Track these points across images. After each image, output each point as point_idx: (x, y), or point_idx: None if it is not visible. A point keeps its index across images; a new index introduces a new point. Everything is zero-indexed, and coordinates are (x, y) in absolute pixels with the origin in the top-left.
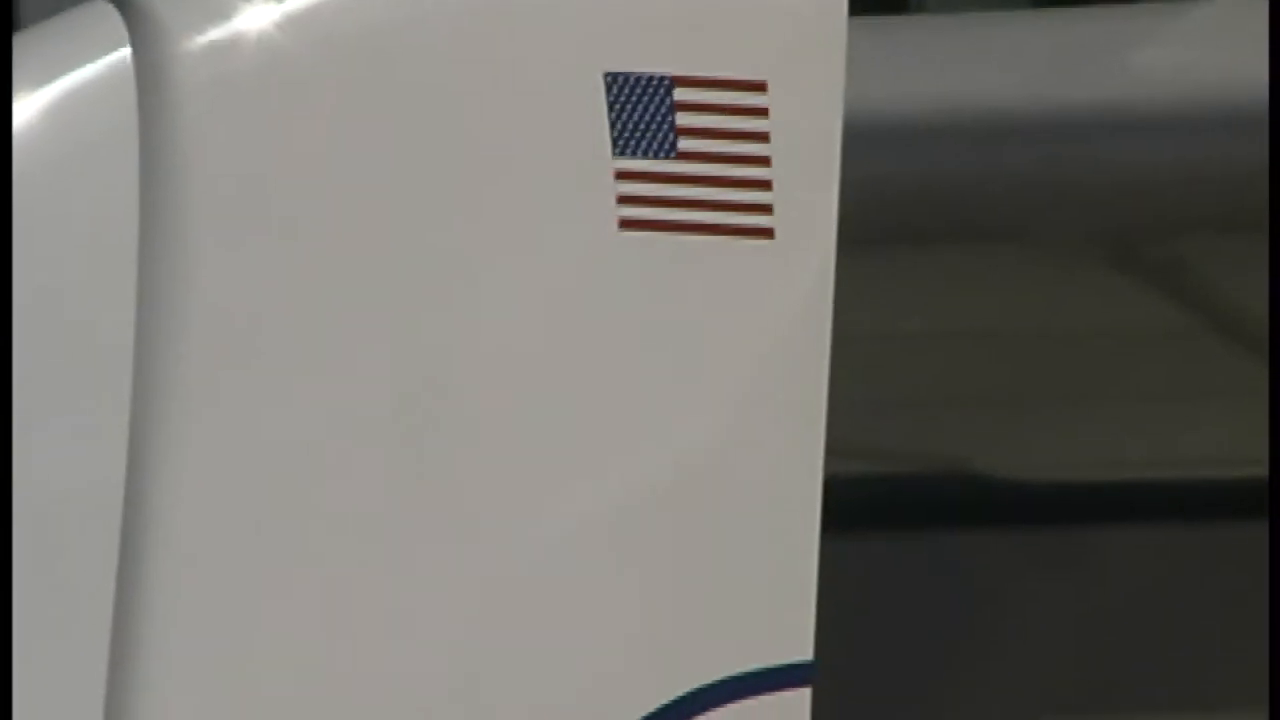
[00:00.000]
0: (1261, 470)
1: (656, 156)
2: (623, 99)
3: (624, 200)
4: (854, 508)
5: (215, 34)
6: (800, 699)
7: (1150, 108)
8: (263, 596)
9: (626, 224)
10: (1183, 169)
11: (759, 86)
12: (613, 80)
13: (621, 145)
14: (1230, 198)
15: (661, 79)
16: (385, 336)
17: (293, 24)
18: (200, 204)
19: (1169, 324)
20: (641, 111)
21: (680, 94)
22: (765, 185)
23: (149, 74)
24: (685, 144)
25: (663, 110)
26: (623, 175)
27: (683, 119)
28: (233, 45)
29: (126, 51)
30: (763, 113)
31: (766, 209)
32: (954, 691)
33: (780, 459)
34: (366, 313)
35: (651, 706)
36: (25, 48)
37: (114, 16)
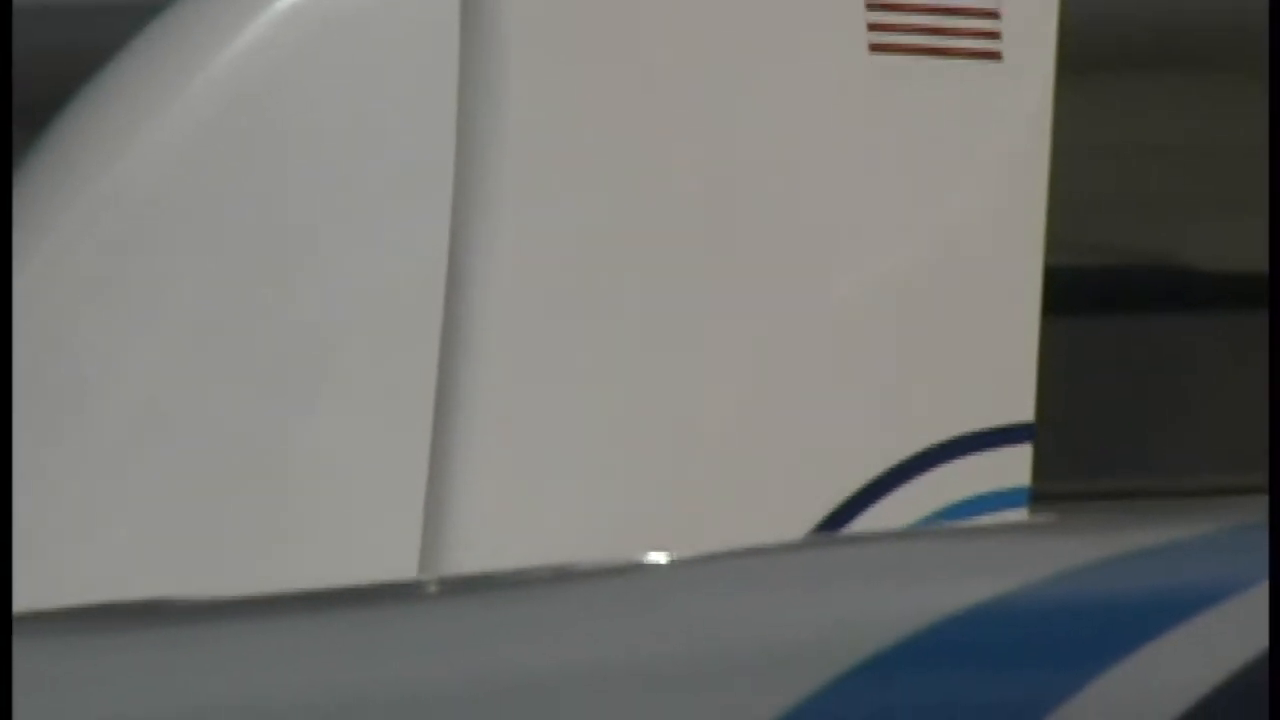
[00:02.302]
0: None
1: None
2: None
3: (874, 27)
4: (1074, 293)
5: None
6: (1023, 453)
7: None
8: (573, 364)
9: (876, 48)
10: None
11: None
12: None
13: None
14: None
15: None
16: (674, 146)
17: None
18: (516, 22)
19: None
20: None
21: None
22: (994, 14)
23: None
24: None
25: None
26: (873, 5)
27: None
28: None
29: None
30: None
31: (995, 34)
32: (1155, 449)
33: (1007, 250)
34: (662, 125)
35: (895, 460)
36: None
37: None
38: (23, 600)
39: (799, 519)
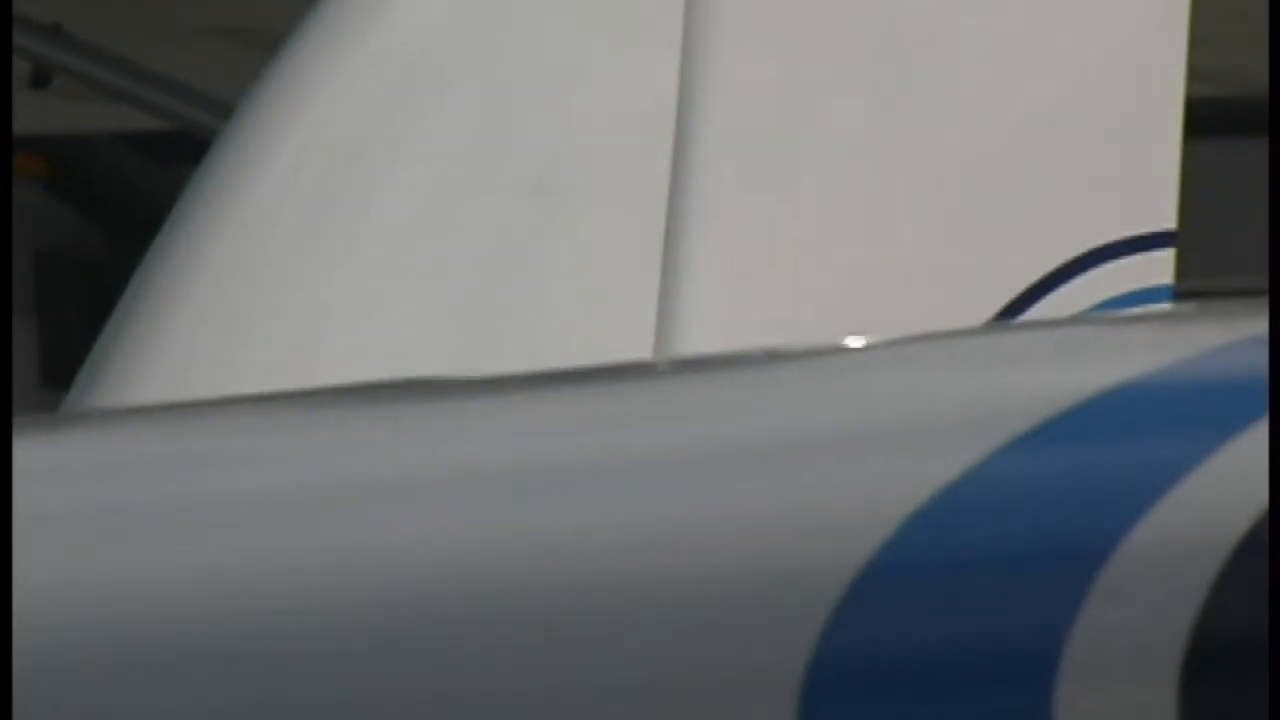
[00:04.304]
0: None
1: None
2: None
3: None
4: (1204, 123)
5: None
6: (1167, 258)
7: None
8: (783, 175)
9: None
10: None
11: None
12: None
13: None
14: None
15: None
16: None
17: None
18: None
19: None
20: None
21: None
22: None
23: None
24: None
25: None
26: None
27: None
28: None
29: None
30: None
31: None
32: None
33: (1153, 81)
34: None
35: (1055, 264)
36: None
37: None
38: (306, 378)
39: (978, 311)
